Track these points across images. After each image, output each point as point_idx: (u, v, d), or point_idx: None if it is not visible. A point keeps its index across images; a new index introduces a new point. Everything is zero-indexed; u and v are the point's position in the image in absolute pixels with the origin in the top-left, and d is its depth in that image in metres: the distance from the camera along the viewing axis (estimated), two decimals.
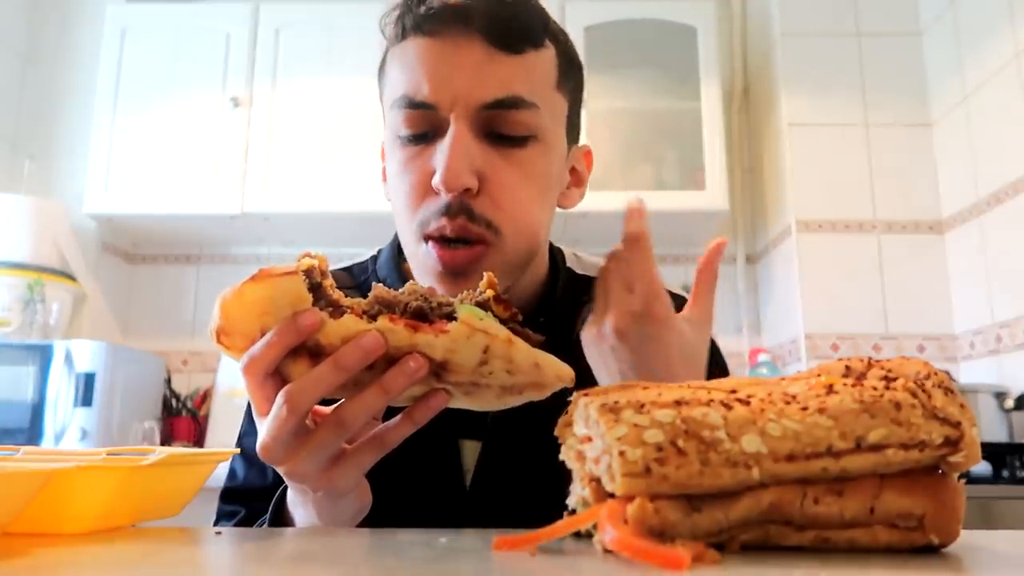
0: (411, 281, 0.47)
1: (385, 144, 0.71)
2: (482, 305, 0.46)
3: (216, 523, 0.75)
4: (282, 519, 0.60)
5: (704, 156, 2.29)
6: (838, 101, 2.32)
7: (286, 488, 0.59)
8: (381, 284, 0.47)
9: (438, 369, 0.46)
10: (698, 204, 2.28)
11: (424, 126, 0.64)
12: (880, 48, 2.34)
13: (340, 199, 2.27)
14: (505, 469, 0.68)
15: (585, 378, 0.64)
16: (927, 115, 2.30)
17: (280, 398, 0.46)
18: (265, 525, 0.61)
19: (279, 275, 0.43)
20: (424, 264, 0.65)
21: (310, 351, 0.45)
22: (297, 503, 0.57)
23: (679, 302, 0.76)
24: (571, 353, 0.55)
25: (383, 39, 0.70)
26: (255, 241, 2.60)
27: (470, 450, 0.69)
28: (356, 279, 0.78)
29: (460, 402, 0.50)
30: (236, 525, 0.72)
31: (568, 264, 0.78)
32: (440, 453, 0.69)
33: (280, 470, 0.51)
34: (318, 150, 2.32)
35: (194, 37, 2.43)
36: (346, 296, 0.47)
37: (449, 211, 0.62)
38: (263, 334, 0.45)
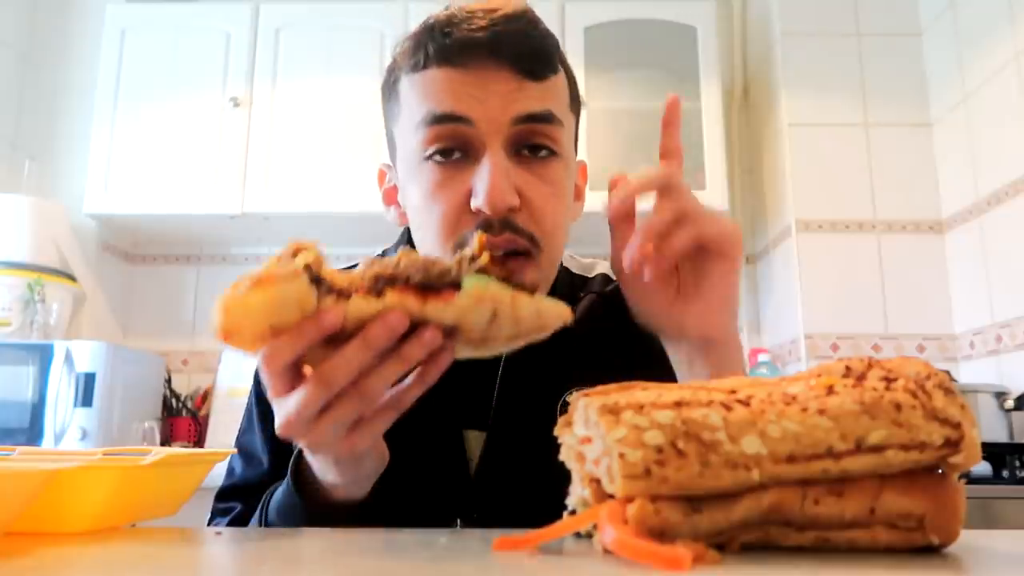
0: (404, 248, 0.48)
1: (403, 169, 0.70)
2: (481, 271, 0.47)
3: (210, 522, 0.75)
4: (301, 473, 0.60)
5: (704, 156, 2.29)
6: (838, 101, 2.32)
7: (300, 451, 0.60)
8: (373, 256, 0.48)
9: (449, 331, 0.48)
10: None
11: (454, 144, 0.64)
12: (880, 48, 2.34)
13: (340, 199, 2.27)
14: (509, 458, 0.69)
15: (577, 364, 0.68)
16: (927, 115, 2.30)
17: (313, 378, 0.47)
18: (284, 482, 0.62)
19: (282, 279, 0.44)
20: None
21: None
22: (315, 460, 0.58)
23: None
24: (566, 340, 0.57)
25: (395, 63, 0.70)
26: (255, 241, 2.60)
27: (474, 440, 0.70)
28: None
29: (467, 353, 0.51)
30: (231, 521, 0.72)
31: (565, 264, 0.80)
32: (445, 444, 0.70)
33: (301, 443, 0.52)
34: (318, 150, 2.32)
35: (194, 37, 2.42)
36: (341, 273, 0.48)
37: (492, 228, 0.62)
38: (273, 330, 0.45)
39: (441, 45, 0.64)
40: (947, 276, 2.21)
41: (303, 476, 0.60)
